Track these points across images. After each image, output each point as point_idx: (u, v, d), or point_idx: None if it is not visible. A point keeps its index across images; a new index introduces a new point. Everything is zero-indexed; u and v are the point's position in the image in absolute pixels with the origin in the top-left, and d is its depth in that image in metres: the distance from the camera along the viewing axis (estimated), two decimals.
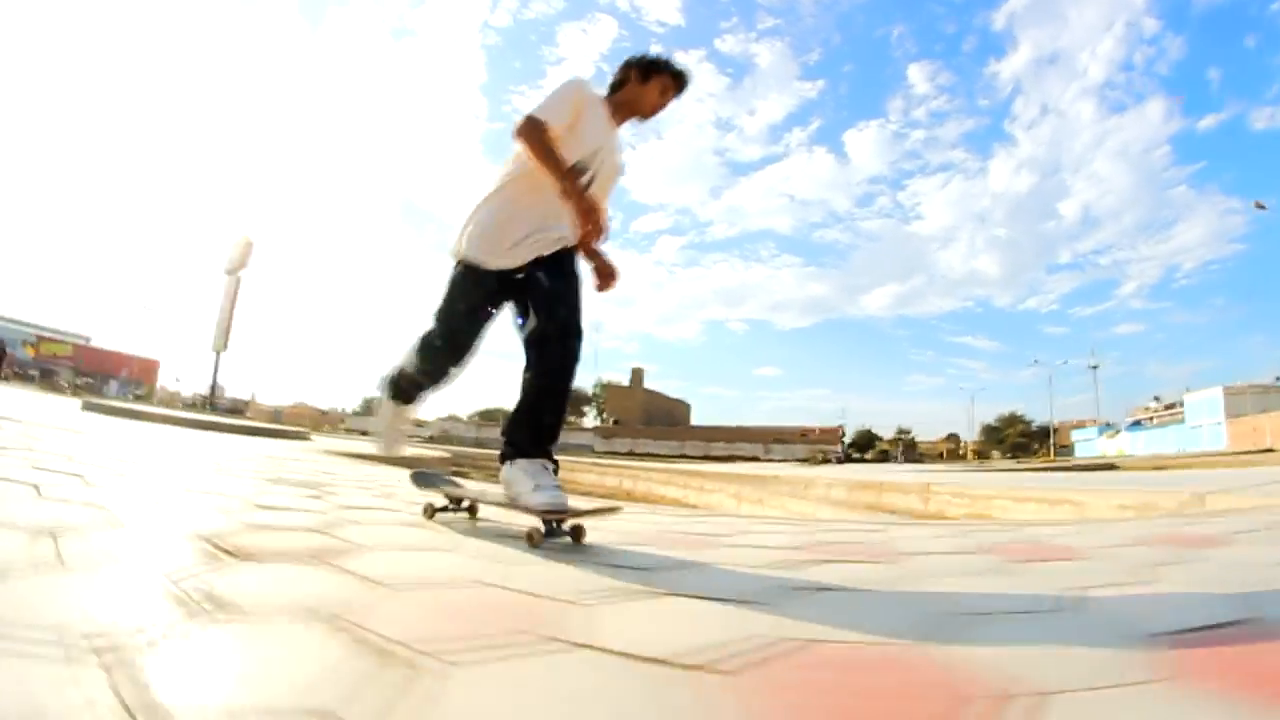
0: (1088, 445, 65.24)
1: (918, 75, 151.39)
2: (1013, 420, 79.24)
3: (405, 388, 2.32)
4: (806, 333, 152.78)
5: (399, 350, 2.31)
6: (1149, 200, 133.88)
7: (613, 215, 2.35)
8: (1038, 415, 76.57)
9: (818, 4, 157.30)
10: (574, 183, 1.91)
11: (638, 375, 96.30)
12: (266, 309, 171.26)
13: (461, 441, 43.59)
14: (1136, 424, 65.54)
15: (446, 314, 2.14)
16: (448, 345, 2.17)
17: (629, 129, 2.34)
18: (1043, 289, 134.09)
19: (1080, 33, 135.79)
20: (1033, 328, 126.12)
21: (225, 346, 35.91)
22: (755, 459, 51.84)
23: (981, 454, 69.24)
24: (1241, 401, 49.55)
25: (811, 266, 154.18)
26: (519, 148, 2.01)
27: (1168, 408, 64.16)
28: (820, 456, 40.41)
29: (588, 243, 2.08)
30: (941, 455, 72.46)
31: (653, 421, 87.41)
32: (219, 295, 36.52)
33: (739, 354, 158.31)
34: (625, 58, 2.29)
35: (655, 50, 2.31)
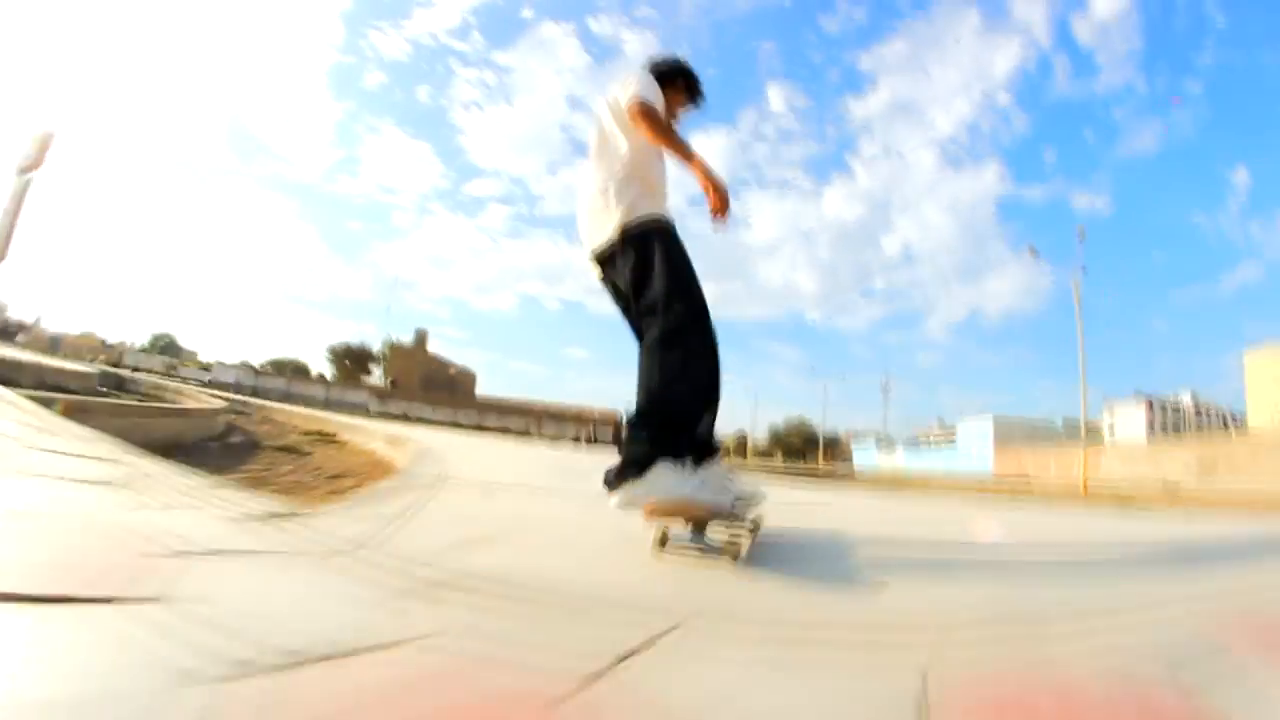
0: (865, 456, 68.31)
1: (776, 94, 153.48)
2: (800, 426, 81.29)
3: (704, 431, 2.00)
4: (620, 320, 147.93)
5: (655, 403, 1.92)
6: (966, 249, 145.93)
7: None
8: (836, 423, 79.96)
9: (698, 6, 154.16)
10: (701, 159, 2.00)
11: (421, 337, 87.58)
12: (61, 218, 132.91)
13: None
14: (914, 442, 69.84)
15: (691, 280, 2.06)
16: (708, 318, 2.05)
17: None
18: (854, 310, 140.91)
19: (939, 90, 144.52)
20: (840, 345, 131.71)
21: (3, 256, 32.53)
22: (526, 433, 48.67)
23: (766, 454, 70.65)
24: (1011, 432, 53.34)
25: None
26: (616, 134, 2.15)
27: (946, 431, 68.40)
28: (582, 436, 38.62)
29: (717, 213, 2.04)
30: (728, 451, 69.93)
31: (432, 387, 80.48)
32: (3, 196, 32.84)
33: (551, 332, 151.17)
34: (650, 62, 2.35)
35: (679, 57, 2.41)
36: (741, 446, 73.81)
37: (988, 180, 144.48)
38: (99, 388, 12.13)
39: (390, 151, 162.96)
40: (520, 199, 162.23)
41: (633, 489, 1.85)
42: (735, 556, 1.81)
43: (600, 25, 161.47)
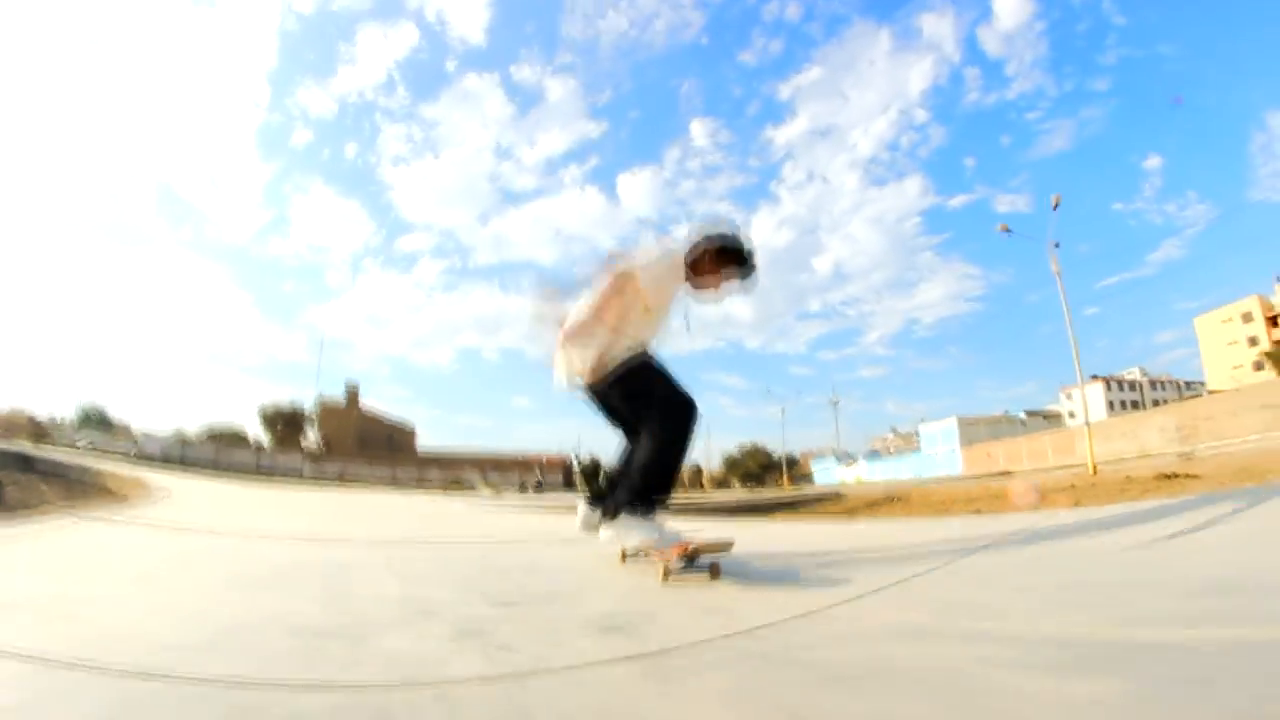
0: (826, 473, 67.69)
1: (699, 130, 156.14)
2: (754, 451, 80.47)
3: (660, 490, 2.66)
4: None
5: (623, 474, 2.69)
6: (897, 262, 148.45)
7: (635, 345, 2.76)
8: (779, 447, 79.07)
9: (617, 49, 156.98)
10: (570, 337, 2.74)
11: (352, 394, 79.46)
12: None
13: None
14: (874, 453, 70.58)
15: (670, 391, 2.66)
16: (688, 414, 2.63)
17: None
18: (792, 334, 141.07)
19: (856, 112, 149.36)
20: (781, 368, 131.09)
21: None
22: (468, 486, 45.29)
23: (722, 483, 69.10)
24: (975, 430, 53.94)
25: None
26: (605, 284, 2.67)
27: (903, 438, 71.63)
28: (526, 484, 31.16)
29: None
30: (683, 484, 66.40)
31: (369, 445, 74.23)
32: None
33: (494, 383, 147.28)
34: (707, 234, 2.76)
35: (733, 231, 2.79)
36: (697, 477, 69.97)
37: (910, 193, 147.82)
38: None
39: (320, 210, 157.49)
40: (452, 251, 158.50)
41: (607, 533, 2.65)
42: (715, 575, 2.37)
43: (522, 73, 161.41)
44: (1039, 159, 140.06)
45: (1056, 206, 20.63)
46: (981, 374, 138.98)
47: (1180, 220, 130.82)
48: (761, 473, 69.38)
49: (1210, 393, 45.05)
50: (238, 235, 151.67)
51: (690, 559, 2.35)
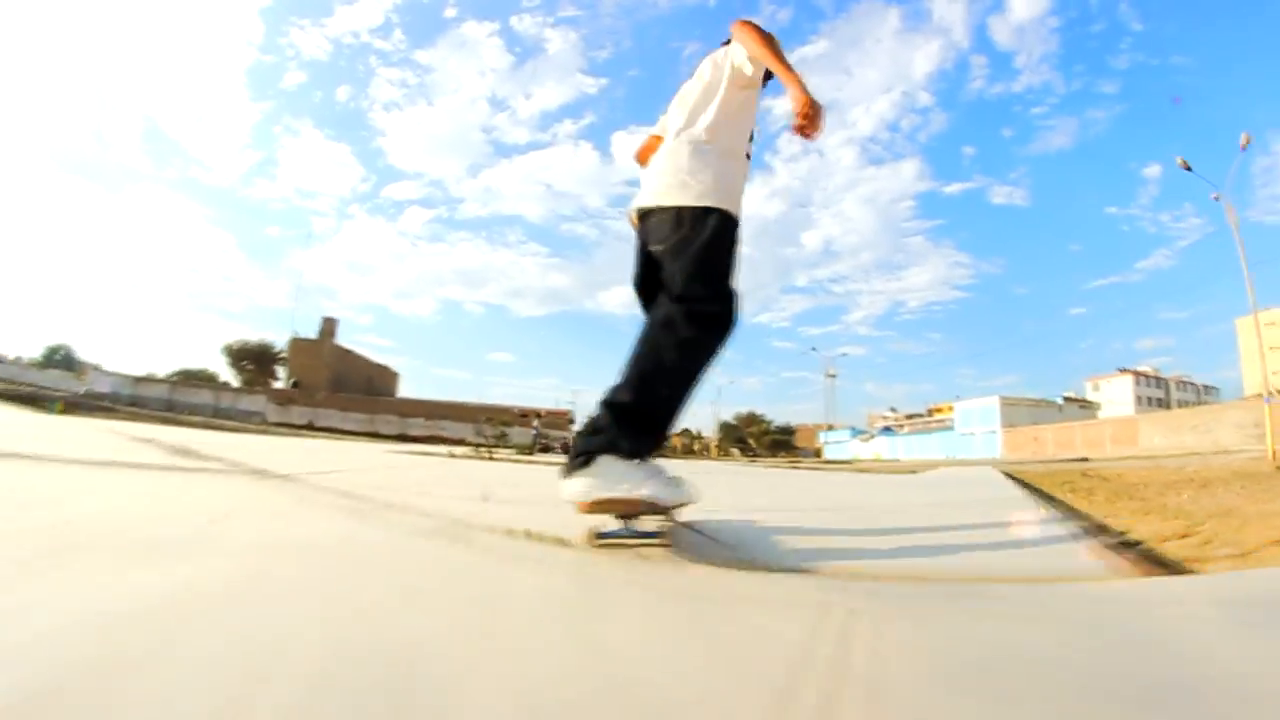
0: (839, 448, 65.16)
1: None
2: (752, 419, 77.13)
3: (653, 422, 1.81)
4: (542, 322, 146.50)
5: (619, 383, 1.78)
6: (887, 244, 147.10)
7: None
8: (774, 417, 78.59)
9: (621, 6, 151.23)
10: (800, 75, 1.87)
11: (329, 327, 72.09)
12: None
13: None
14: (888, 429, 68.78)
15: (719, 274, 1.86)
16: (727, 317, 1.82)
17: None
18: (776, 306, 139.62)
19: (860, 90, 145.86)
20: (763, 341, 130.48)
21: None
22: (462, 441, 38.17)
23: (723, 449, 66.16)
24: (1016, 412, 51.16)
25: (556, 258, 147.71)
26: (721, 91, 2.00)
27: (931, 413, 68.45)
28: (540, 444, 25.55)
29: (802, 128, 1.87)
30: (676, 450, 64.45)
31: (345, 387, 67.37)
32: None
33: (474, 337, 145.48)
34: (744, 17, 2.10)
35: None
36: (689, 446, 68.25)
37: (906, 175, 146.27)
38: None
39: (309, 154, 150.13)
40: (440, 202, 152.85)
41: (581, 482, 1.74)
42: (668, 544, 1.76)
43: (523, 23, 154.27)
44: (1039, 154, 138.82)
45: (1245, 147, 17.84)
46: (963, 361, 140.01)
47: (1173, 231, 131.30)
48: (785, 440, 67.59)
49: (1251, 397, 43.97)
50: (224, 176, 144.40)
51: (626, 518, 1.75)
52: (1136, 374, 63.13)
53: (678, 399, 1.79)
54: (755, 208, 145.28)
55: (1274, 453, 15.84)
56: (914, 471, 9.79)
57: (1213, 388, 63.93)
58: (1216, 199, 19.36)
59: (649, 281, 1.97)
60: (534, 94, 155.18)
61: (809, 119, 1.83)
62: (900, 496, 4.22)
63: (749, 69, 1.95)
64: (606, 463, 1.72)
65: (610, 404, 1.77)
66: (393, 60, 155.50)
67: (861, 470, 10.87)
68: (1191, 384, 65.13)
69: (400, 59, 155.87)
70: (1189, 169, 18.42)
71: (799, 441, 75.22)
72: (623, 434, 1.74)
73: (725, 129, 1.98)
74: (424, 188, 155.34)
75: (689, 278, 1.79)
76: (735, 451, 61.83)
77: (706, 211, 1.85)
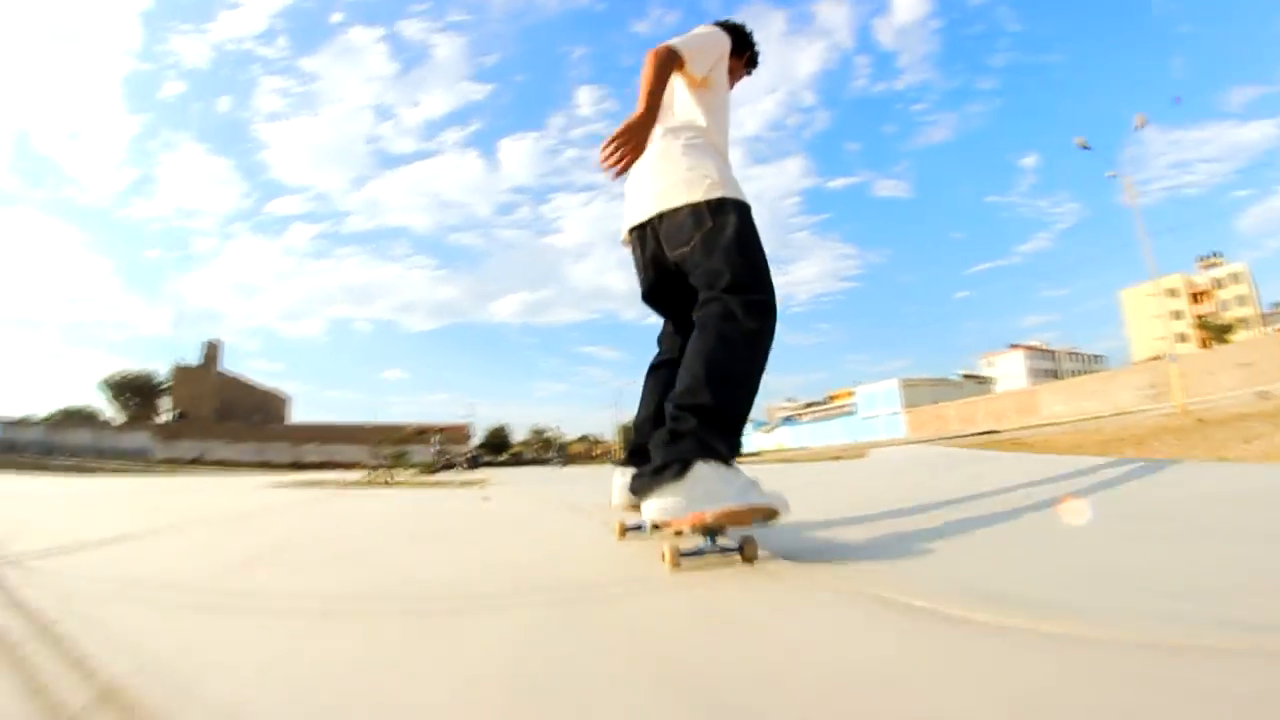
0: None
1: (585, 98, 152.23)
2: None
3: (736, 421, 1.66)
4: (434, 335, 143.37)
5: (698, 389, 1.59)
6: (774, 239, 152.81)
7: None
8: None
9: (508, 10, 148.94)
10: (650, 117, 1.76)
11: (212, 352, 66.23)
12: None
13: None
14: (789, 419, 70.21)
15: (759, 262, 1.78)
16: (774, 306, 1.74)
17: None
18: None
19: (746, 90, 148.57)
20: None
21: None
22: (357, 465, 35.03)
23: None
24: (917, 393, 51.82)
25: (444, 269, 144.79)
26: (688, 94, 1.98)
27: (831, 400, 69.85)
28: (444, 461, 23.36)
29: (609, 157, 1.74)
30: (580, 455, 63.49)
31: (234, 416, 63.19)
32: None
33: (366, 355, 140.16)
34: (719, 21, 2.12)
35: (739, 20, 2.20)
36: (589, 452, 65.74)
37: (792, 172, 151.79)
38: None
39: (189, 169, 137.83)
40: (325, 216, 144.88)
41: (679, 497, 1.49)
42: (751, 558, 1.50)
43: (410, 29, 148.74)
44: (921, 148, 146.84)
45: (1141, 127, 18.07)
46: (853, 348, 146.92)
47: (1050, 216, 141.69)
48: None
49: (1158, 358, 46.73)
50: (100, 196, 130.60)
51: (712, 532, 1.54)
52: (1028, 348, 66.96)
53: (752, 394, 1.67)
54: None
55: (1183, 408, 15.92)
56: (861, 456, 8.66)
57: (1100, 356, 68.54)
58: (1112, 176, 19.59)
59: (664, 290, 1.98)
60: (421, 101, 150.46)
61: (615, 140, 1.71)
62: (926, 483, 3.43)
63: (698, 72, 1.92)
64: (705, 470, 1.53)
65: (690, 407, 1.59)
66: (276, 68, 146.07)
67: (813, 459, 10.04)
68: (1079, 354, 69.77)
69: (284, 66, 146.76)
70: (1088, 148, 18.49)
71: None
72: (715, 436, 1.56)
73: (712, 128, 1.95)
74: (308, 202, 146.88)
75: (735, 267, 1.70)
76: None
77: (722, 203, 1.80)
